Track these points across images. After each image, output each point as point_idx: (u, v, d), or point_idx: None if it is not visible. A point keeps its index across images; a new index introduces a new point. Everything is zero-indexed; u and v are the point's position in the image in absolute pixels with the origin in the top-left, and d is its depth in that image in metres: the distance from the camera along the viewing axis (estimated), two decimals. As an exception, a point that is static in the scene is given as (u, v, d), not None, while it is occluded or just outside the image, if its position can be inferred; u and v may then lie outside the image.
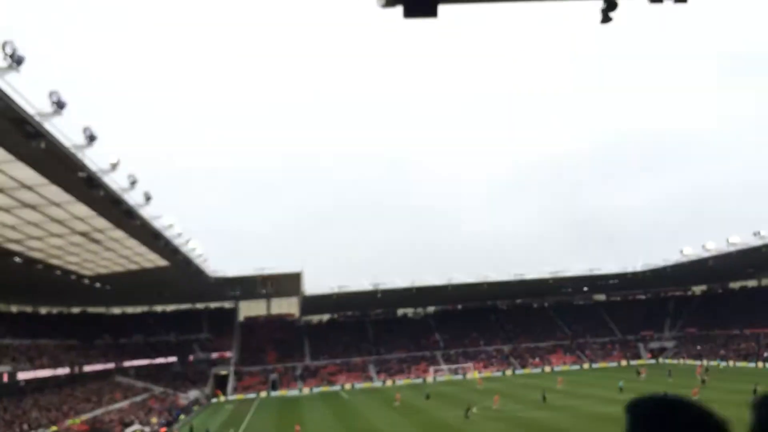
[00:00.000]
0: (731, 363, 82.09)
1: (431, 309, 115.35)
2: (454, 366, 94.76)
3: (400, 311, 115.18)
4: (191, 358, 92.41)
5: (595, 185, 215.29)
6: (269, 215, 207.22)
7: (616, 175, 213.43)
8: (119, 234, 51.51)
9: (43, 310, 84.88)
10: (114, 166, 38.51)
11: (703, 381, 60.49)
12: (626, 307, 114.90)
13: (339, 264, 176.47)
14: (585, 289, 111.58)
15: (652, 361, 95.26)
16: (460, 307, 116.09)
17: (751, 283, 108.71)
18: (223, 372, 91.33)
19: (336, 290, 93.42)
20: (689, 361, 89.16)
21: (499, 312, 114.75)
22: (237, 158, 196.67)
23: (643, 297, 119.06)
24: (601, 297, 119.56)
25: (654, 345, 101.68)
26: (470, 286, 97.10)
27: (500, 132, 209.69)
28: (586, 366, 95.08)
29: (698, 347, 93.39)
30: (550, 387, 65.27)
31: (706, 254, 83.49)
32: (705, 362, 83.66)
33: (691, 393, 48.50)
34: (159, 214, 51.63)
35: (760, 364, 77.65)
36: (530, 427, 43.58)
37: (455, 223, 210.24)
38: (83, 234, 49.82)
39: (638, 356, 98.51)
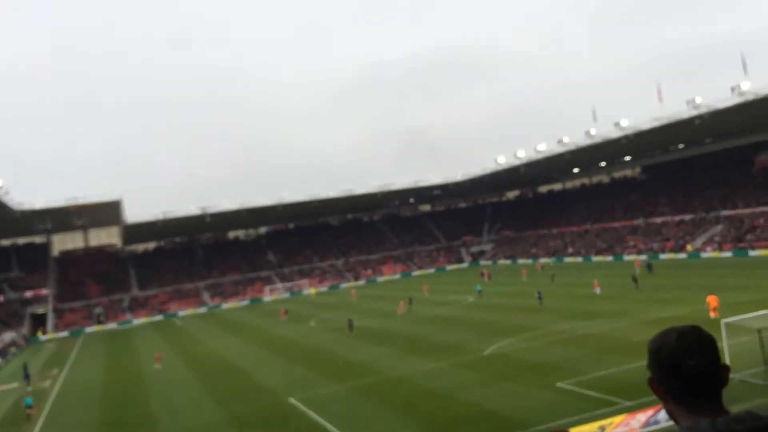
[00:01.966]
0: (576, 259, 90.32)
1: (263, 230, 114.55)
2: (289, 284, 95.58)
3: (231, 234, 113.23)
4: (1, 298, 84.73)
5: (417, 99, 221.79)
6: (80, 143, 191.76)
7: (439, 89, 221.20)
8: None
9: None
10: None
11: (552, 277, 62.98)
12: (449, 215, 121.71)
13: (165, 190, 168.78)
14: (411, 200, 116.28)
15: (473, 263, 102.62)
16: (292, 225, 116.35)
17: (557, 186, 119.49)
18: (41, 310, 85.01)
19: (161, 217, 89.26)
20: (504, 261, 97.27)
21: (331, 228, 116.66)
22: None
23: (464, 205, 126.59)
24: (427, 208, 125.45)
25: (474, 249, 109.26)
26: (301, 204, 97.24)
27: (323, 43, 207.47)
28: (416, 273, 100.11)
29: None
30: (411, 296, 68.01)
31: (517, 162, 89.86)
32: (545, 263, 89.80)
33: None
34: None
35: (598, 258, 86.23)
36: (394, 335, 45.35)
37: (284, 143, 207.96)
38: None
39: (461, 260, 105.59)
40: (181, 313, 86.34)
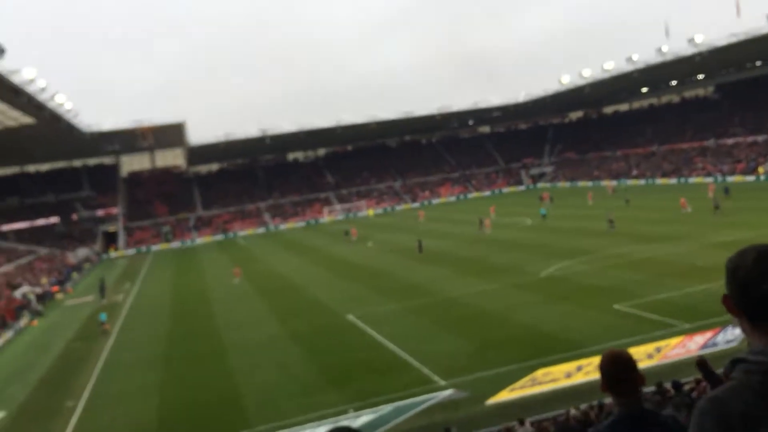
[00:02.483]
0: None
1: (322, 151, 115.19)
2: (347, 205, 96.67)
3: (291, 156, 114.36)
4: (75, 217, 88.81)
5: (478, 19, 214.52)
6: (146, 69, 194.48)
7: (501, 8, 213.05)
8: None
9: None
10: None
11: (627, 201, 59.73)
12: (509, 137, 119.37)
13: (226, 112, 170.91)
14: (470, 122, 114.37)
15: (532, 186, 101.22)
16: (350, 147, 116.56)
17: (623, 107, 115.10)
18: (112, 228, 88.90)
19: (223, 139, 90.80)
20: (564, 183, 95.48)
21: (389, 150, 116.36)
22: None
23: (524, 127, 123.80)
24: (486, 129, 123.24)
25: (534, 171, 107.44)
26: (359, 126, 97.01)
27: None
28: (472, 195, 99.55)
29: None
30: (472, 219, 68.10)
31: (582, 82, 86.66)
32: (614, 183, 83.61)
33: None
34: (17, 68, 47.11)
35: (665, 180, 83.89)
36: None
37: (342, 64, 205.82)
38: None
39: (520, 182, 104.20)
40: (243, 232, 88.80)
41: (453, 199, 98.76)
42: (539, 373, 19.65)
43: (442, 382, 19.76)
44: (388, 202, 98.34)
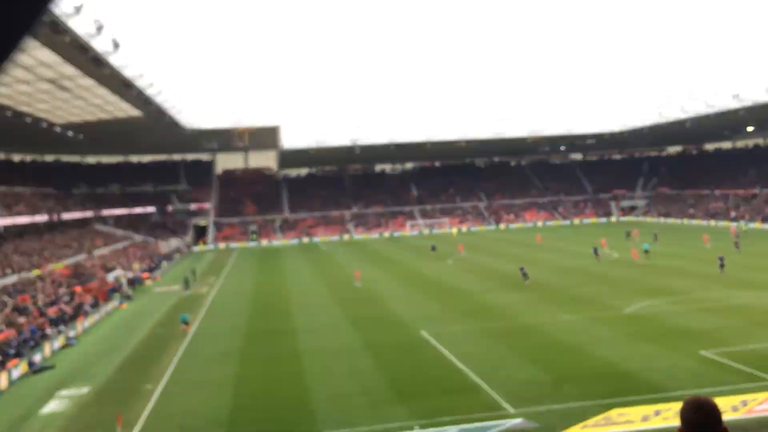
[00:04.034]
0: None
1: (409, 165, 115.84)
2: (430, 221, 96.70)
3: (378, 167, 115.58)
4: (170, 208, 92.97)
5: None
6: (248, 69, 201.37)
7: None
8: (88, 82, 49.77)
9: (16, 158, 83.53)
10: (78, 10, 36.42)
11: (736, 244, 54.43)
12: (601, 166, 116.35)
13: (317, 119, 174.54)
14: (562, 148, 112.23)
15: (623, 219, 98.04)
16: (438, 164, 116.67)
17: (726, 145, 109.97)
18: (203, 223, 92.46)
19: (314, 145, 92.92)
20: (655, 219, 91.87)
21: (477, 169, 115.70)
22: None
23: (618, 157, 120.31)
24: (578, 156, 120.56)
25: (626, 203, 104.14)
26: (449, 143, 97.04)
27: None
28: (564, 223, 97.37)
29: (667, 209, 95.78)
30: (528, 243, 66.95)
31: (683, 115, 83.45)
32: (741, 224, 75.38)
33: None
34: (129, 63, 49.80)
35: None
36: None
37: (432, 79, 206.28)
38: (51, 81, 48.02)
39: (609, 214, 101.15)
40: (324, 239, 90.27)
41: (537, 225, 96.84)
42: (614, 412, 18.96)
43: (512, 410, 19.40)
44: (471, 221, 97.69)
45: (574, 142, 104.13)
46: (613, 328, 28.53)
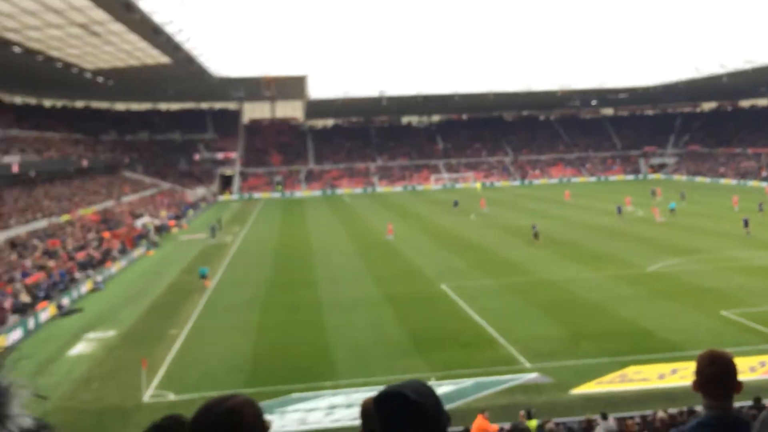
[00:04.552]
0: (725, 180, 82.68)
1: (436, 118, 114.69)
2: (455, 175, 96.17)
3: (405, 119, 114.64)
4: (197, 157, 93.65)
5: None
6: (274, 18, 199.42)
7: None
8: (118, 27, 49.72)
9: (47, 103, 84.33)
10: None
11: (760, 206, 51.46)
12: (632, 122, 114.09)
13: (344, 69, 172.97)
14: (593, 102, 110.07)
15: (651, 176, 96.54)
16: (465, 117, 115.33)
17: (762, 102, 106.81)
18: (229, 172, 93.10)
19: (341, 96, 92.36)
20: (684, 178, 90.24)
21: (504, 123, 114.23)
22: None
23: (650, 113, 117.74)
24: (609, 111, 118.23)
25: (655, 161, 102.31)
26: (476, 96, 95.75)
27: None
28: (591, 179, 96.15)
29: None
30: (556, 200, 66.49)
31: (721, 70, 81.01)
32: None
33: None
34: (159, 9, 49.51)
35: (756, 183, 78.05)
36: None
37: (460, 25, 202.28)
38: (82, 26, 48.09)
39: (638, 171, 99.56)
40: (349, 190, 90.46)
41: (563, 180, 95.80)
42: (630, 370, 19.09)
43: (528, 365, 19.61)
44: (496, 176, 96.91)
45: (605, 96, 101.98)
46: (634, 286, 28.44)
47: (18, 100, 76.19)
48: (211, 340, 23.76)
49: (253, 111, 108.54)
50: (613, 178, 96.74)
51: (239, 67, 79.38)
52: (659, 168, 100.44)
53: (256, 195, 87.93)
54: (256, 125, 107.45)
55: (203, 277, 33.09)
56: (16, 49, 51.76)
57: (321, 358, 21.19)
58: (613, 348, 20.65)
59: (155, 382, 19.75)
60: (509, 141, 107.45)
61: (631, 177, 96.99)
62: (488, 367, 19.47)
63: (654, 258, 34.30)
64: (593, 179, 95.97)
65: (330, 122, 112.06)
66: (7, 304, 26.72)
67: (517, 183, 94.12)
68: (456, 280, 31.14)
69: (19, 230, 40.42)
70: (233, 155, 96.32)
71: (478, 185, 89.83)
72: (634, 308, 25.05)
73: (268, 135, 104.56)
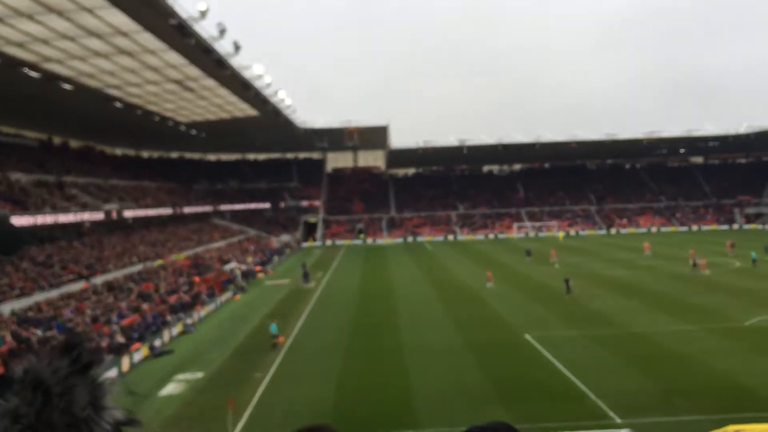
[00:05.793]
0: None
1: (517, 166, 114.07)
2: (537, 224, 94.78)
3: (486, 168, 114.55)
4: (282, 204, 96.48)
5: (695, 38, 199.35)
6: (357, 71, 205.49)
7: (722, 30, 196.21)
8: (211, 83, 52.59)
9: (144, 154, 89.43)
10: (203, 14, 38.62)
11: None
12: (724, 171, 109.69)
13: (424, 120, 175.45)
14: (681, 150, 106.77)
15: (747, 227, 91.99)
16: (547, 165, 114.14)
17: None
18: (312, 219, 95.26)
19: (422, 145, 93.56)
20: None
21: (588, 172, 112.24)
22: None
23: (743, 161, 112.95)
24: (698, 159, 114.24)
25: (750, 210, 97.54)
26: (559, 144, 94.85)
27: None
28: (682, 229, 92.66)
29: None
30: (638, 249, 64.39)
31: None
32: None
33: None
34: (248, 64, 52.23)
35: None
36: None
37: (544, 81, 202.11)
38: (177, 82, 51.16)
39: (732, 221, 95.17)
40: (428, 238, 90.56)
41: (652, 230, 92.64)
42: (730, 429, 18.00)
43: (618, 420, 18.85)
44: (580, 225, 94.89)
45: (694, 143, 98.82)
46: (732, 341, 26.98)
47: (118, 151, 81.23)
48: (294, 383, 24.10)
49: (336, 160, 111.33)
50: (706, 227, 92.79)
51: (323, 119, 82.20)
52: (756, 218, 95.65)
53: (339, 242, 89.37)
54: (339, 174, 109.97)
55: (275, 336, 30.65)
56: (118, 105, 55.52)
57: (402, 404, 21.09)
58: (709, 405, 19.59)
59: (241, 424, 20.17)
60: (593, 189, 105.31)
61: (725, 227, 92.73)
62: (576, 422, 18.82)
63: (752, 312, 32.51)
64: (684, 228, 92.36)
65: (411, 171, 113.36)
66: (104, 344, 28.07)
67: (602, 232, 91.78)
68: (540, 329, 30.48)
69: (117, 274, 42.60)
70: (317, 203, 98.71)
71: (560, 234, 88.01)
72: (733, 363, 23.73)
73: (350, 183, 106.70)
